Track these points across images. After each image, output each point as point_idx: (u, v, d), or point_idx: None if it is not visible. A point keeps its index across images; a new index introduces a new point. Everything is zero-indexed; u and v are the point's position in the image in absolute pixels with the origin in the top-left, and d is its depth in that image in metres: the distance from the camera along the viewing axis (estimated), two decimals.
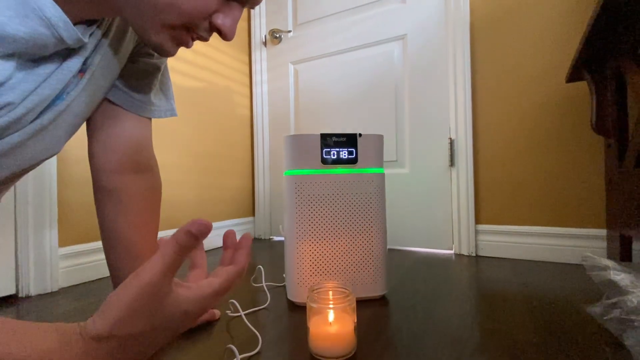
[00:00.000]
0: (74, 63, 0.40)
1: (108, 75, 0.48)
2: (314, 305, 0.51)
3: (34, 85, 0.36)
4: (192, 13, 0.36)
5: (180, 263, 0.28)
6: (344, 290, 0.52)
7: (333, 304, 0.50)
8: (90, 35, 0.42)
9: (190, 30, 0.39)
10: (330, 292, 0.53)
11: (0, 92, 0.33)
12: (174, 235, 0.28)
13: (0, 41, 0.31)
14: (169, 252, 0.28)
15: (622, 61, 0.81)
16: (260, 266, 0.94)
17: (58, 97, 0.41)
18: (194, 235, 0.28)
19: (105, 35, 0.44)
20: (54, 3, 0.33)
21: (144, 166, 0.58)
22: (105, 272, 1.00)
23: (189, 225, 0.28)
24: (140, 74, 0.54)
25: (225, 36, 0.39)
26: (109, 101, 0.54)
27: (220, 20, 0.38)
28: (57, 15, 0.33)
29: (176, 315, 0.29)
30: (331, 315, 0.50)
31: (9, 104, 0.34)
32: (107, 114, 0.54)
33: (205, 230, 0.28)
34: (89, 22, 0.41)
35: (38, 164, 0.45)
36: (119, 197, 0.56)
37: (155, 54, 0.55)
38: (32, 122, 0.39)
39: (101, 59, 0.45)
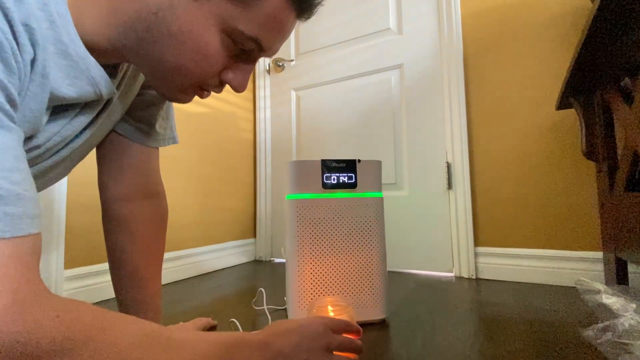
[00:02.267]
0: (98, 105, 0.42)
1: (121, 111, 0.50)
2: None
3: (59, 128, 0.38)
4: (200, 74, 0.37)
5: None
6: (341, 303, 0.53)
7: (334, 315, 0.51)
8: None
9: (202, 87, 0.40)
10: (329, 306, 0.53)
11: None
12: (350, 324, 0.46)
13: (53, 100, 0.33)
14: (339, 323, 0.44)
15: (608, 91, 0.85)
16: (262, 289, 0.95)
17: (76, 136, 0.42)
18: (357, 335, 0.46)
19: (123, 76, 0.46)
20: (97, 63, 0.35)
21: (151, 192, 0.60)
22: (110, 294, 1.01)
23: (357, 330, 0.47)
24: (145, 106, 0.55)
25: (235, 90, 0.41)
26: (116, 132, 0.55)
27: (229, 77, 0.39)
28: (100, 74, 0.35)
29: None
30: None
31: (36, 147, 0.36)
32: (115, 144, 0.55)
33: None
34: (114, 66, 0.43)
35: (41, 190, 0.47)
36: (128, 225, 0.57)
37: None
38: (46, 160, 0.40)
39: (118, 97, 0.46)
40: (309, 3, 0.37)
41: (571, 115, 1.10)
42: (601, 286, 0.55)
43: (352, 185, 0.77)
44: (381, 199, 0.79)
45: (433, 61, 1.35)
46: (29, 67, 0.29)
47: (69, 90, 0.33)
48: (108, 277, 0.61)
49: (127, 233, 0.56)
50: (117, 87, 0.46)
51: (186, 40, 0.34)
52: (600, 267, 1.02)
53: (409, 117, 1.39)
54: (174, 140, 0.63)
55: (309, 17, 0.39)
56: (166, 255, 1.21)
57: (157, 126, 0.59)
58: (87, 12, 0.34)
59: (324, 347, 0.40)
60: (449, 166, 1.28)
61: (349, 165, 0.78)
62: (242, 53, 0.38)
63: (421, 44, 1.38)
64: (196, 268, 1.33)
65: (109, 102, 0.44)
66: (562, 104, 1.02)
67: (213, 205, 1.47)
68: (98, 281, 1.00)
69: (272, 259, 1.66)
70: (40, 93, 0.31)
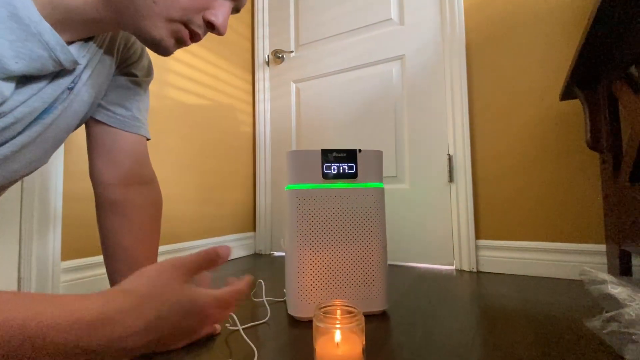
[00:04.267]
0: (66, 79, 0.42)
1: (93, 92, 0.49)
2: (320, 325, 0.48)
3: (25, 97, 0.38)
4: (189, 6, 0.39)
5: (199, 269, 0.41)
6: (352, 309, 0.49)
7: (340, 324, 0.47)
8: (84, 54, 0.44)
9: (186, 25, 0.41)
10: (339, 312, 0.50)
11: None
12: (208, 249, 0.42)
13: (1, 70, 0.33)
14: (200, 252, 0.41)
15: (613, 80, 0.84)
16: (261, 280, 0.94)
17: (46, 111, 0.42)
18: (219, 255, 0.42)
19: (96, 52, 0.47)
20: (52, 28, 0.35)
21: (145, 178, 0.60)
22: (106, 286, 1.00)
23: (220, 248, 0.43)
24: (121, 90, 0.56)
25: (218, 30, 0.42)
26: (100, 121, 0.55)
27: (212, 16, 0.41)
28: (55, 40, 0.35)
29: (193, 303, 0.37)
30: (338, 336, 0.47)
31: (1, 113, 0.36)
32: (104, 133, 0.56)
33: (227, 254, 0.43)
34: (85, 39, 0.43)
35: (23, 176, 0.46)
36: (124, 210, 0.57)
37: (139, 73, 0.57)
38: (19, 134, 0.40)
39: (90, 75, 0.46)
40: None
41: (575, 106, 1.09)
42: (606, 276, 0.54)
43: (353, 176, 0.76)
44: (382, 189, 0.78)
45: (435, 52, 1.33)
46: None
47: (14, 63, 0.33)
48: (104, 270, 0.60)
49: (123, 217, 0.56)
50: (87, 66, 0.46)
51: None
52: (603, 259, 1.01)
53: (410, 109, 1.37)
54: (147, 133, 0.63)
55: None
56: (165, 248, 1.20)
57: (137, 113, 0.59)
58: None
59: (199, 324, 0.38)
60: (450, 159, 1.27)
61: (350, 155, 0.76)
62: None
63: (423, 35, 1.36)
64: None
65: (80, 76, 0.44)
66: (566, 95, 1.00)
67: (212, 199, 1.46)
68: (96, 273, 0.99)
69: (271, 252, 1.65)
70: None
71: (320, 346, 0.48)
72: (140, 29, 0.40)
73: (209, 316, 0.40)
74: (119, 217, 0.57)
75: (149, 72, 0.61)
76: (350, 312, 0.49)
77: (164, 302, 0.34)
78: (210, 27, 0.42)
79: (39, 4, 0.34)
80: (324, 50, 1.58)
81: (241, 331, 0.63)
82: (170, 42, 0.41)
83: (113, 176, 0.56)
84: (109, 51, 0.50)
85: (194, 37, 0.43)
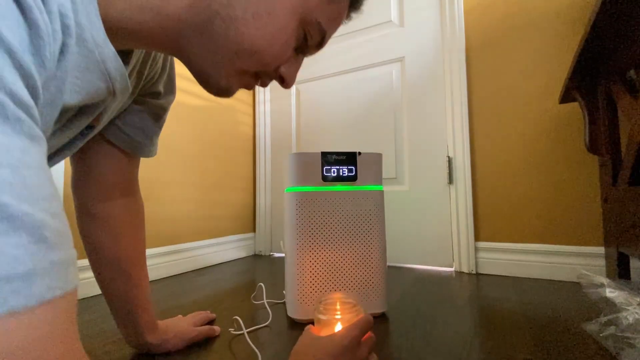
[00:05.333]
0: (100, 105, 0.35)
1: (112, 115, 0.44)
2: (322, 317, 0.50)
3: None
4: (271, 62, 0.35)
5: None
6: (351, 301, 0.51)
7: (341, 314, 0.49)
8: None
9: (258, 76, 0.38)
10: (338, 304, 0.52)
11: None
12: (368, 322, 0.45)
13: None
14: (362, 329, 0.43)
15: (612, 84, 0.84)
16: (261, 284, 0.95)
17: (67, 146, 0.38)
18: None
19: (133, 68, 0.41)
20: (116, 53, 0.29)
21: (130, 191, 0.57)
22: (93, 291, 1.00)
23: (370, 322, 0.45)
24: (145, 114, 0.51)
25: (287, 85, 0.39)
26: (107, 141, 0.50)
27: (286, 69, 0.38)
28: (117, 67, 0.30)
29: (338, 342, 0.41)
30: (339, 327, 0.49)
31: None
32: (110, 151, 0.51)
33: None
34: (125, 53, 0.37)
35: None
36: (109, 223, 0.54)
37: (163, 89, 0.52)
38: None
39: (114, 97, 0.39)
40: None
41: (574, 108, 1.09)
42: (604, 280, 0.54)
43: (353, 178, 0.76)
44: (381, 192, 0.78)
45: (435, 54, 1.33)
46: (56, 61, 0.23)
47: (69, 98, 0.27)
48: (91, 274, 0.58)
49: (108, 229, 0.54)
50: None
51: (269, 23, 0.32)
52: (602, 262, 1.02)
53: (410, 111, 1.37)
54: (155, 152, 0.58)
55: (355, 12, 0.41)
56: (165, 249, 1.20)
57: (155, 138, 0.54)
58: None
59: None
60: (450, 161, 1.27)
61: (349, 158, 0.77)
62: (302, 46, 0.38)
63: (423, 37, 1.36)
64: (195, 262, 1.32)
65: (106, 109, 0.38)
66: (565, 97, 1.01)
67: (212, 200, 1.46)
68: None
69: (271, 253, 1.66)
70: (59, 96, 0.25)
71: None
72: (207, 74, 0.35)
73: (360, 344, 0.43)
74: (106, 231, 0.54)
75: (172, 88, 0.54)
76: (349, 304, 0.51)
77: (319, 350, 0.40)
78: (280, 79, 0.39)
79: (102, 9, 0.27)
80: (324, 51, 1.58)
81: (246, 335, 0.63)
82: (235, 89, 0.37)
83: (99, 192, 0.53)
84: (140, 68, 0.44)
85: (262, 84, 0.40)
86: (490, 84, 1.23)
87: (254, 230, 1.70)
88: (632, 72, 0.81)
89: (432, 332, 0.67)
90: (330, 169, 0.75)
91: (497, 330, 0.68)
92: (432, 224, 1.30)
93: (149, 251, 1.13)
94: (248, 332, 0.66)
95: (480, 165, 1.24)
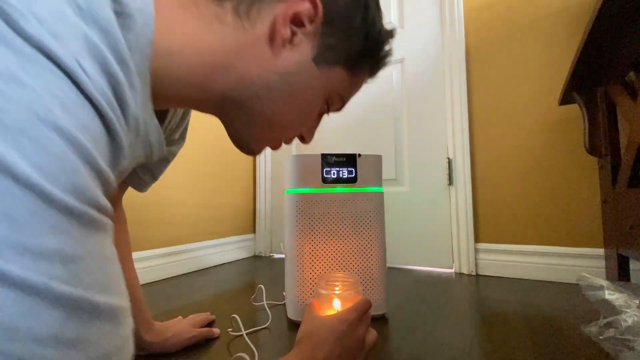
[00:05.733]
0: None
1: None
2: (322, 291, 0.52)
3: None
4: (296, 130, 0.39)
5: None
6: (350, 279, 0.54)
7: (340, 290, 0.51)
8: None
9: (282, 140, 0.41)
10: (338, 281, 0.54)
11: None
12: (365, 304, 0.47)
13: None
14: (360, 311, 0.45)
15: (611, 86, 0.84)
16: (261, 286, 0.95)
17: None
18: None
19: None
20: (159, 125, 0.29)
21: (118, 204, 0.57)
22: None
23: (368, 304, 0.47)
24: (158, 160, 0.50)
25: (306, 142, 0.43)
26: None
27: (308, 132, 0.42)
28: (158, 137, 0.30)
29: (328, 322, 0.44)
30: (337, 303, 0.51)
31: None
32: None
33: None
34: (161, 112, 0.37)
35: None
36: None
37: (176, 142, 0.53)
38: None
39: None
40: (380, 68, 0.41)
41: (574, 110, 1.09)
42: (604, 282, 0.54)
43: (352, 180, 0.76)
44: (381, 193, 0.78)
45: (435, 56, 1.34)
46: None
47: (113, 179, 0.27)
48: None
49: None
50: None
51: (301, 104, 0.35)
52: (601, 263, 1.02)
53: (410, 112, 1.37)
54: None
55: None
56: (165, 250, 1.20)
57: (160, 176, 0.56)
58: (183, 62, 0.28)
59: (357, 344, 0.44)
60: (449, 162, 1.27)
61: (349, 160, 0.77)
62: (324, 111, 0.41)
63: (423, 38, 1.36)
64: (195, 263, 1.32)
65: None
66: (565, 99, 1.01)
67: (212, 201, 1.46)
68: None
69: (271, 254, 1.66)
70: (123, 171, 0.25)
71: (323, 311, 0.50)
72: (242, 139, 0.37)
73: (358, 326, 0.44)
74: None
75: (184, 135, 0.55)
76: (349, 282, 0.53)
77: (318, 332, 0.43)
78: (300, 137, 0.42)
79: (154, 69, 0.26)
80: None
81: (245, 337, 0.63)
82: (260, 150, 0.40)
83: None
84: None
85: (285, 143, 0.42)
86: (490, 85, 1.24)
87: (254, 231, 1.70)
88: (631, 75, 0.81)
89: (432, 335, 0.67)
90: (330, 170, 0.76)
91: (496, 332, 0.68)
92: (432, 225, 1.30)
93: (150, 252, 1.13)
94: (247, 334, 0.66)
95: (480, 166, 1.24)
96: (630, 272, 0.86)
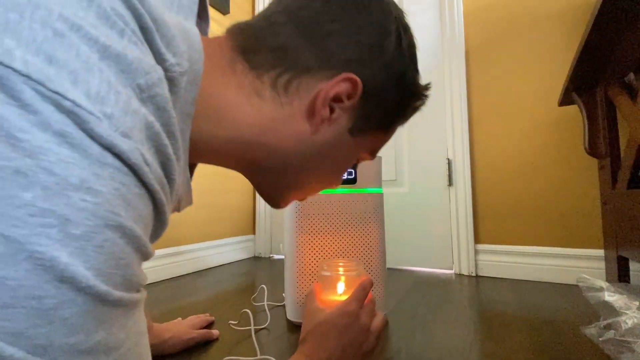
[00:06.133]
0: None
1: None
2: (325, 273, 0.52)
3: None
4: (326, 187, 0.39)
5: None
6: (352, 263, 0.54)
7: (344, 271, 0.52)
8: None
9: None
10: (341, 263, 0.55)
11: None
12: (365, 285, 0.46)
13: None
14: (359, 297, 0.45)
15: (611, 87, 0.84)
16: (263, 286, 0.95)
17: None
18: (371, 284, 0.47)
19: None
20: (189, 180, 0.29)
21: None
22: None
23: (368, 284, 0.46)
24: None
25: (333, 187, 0.43)
26: None
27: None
28: (187, 190, 0.30)
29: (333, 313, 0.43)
30: (341, 286, 0.51)
31: None
32: None
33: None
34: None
35: None
36: None
37: None
38: None
39: None
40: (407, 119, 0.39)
41: (573, 111, 1.09)
42: (603, 284, 0.54)
43: (352, 181, 0.76)
44: (381, 195, 0.78)
45: (434, 56, 1.34)
46: None
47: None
48: None
49: None
50: None
51: (334, 168, 0.35)
52: (601, 264, 1.02)
53: None
54: None
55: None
56: (165, 251, 1.20)
57: None
58: (227, 125, 0.28)
59: (361, 334, 0.43)
60: (449, 163, 1.27)
61: None
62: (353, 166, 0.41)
63: (423, 39, 1.37)
64: (195, 264, 1.32)
65: None
66: (565, 100, 1.01)
67: (212, 202, 1.46)
68: None
69: (271, 255, 1.66)
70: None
71: (325, 295, 0.51)
72: (272, 197, 0.37)
73: (359, 316, 0.44)
74: None
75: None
76: (350, 265, 0.53)
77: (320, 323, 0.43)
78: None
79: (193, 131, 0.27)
80: None
81: (253, 334, 0.63)
82: (287, 204, 0.40)
83: None
84: None
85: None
86: (490, 86, 1.24)
87: (253, 232, 1.70)
88: (631, 76, 0.81)
89: (431, 336, 0.67)
90: None
91: (496, 333, 0.68)
92: (432, 226, 1.30)
93: None
94: (247, 335, 0.66)
95: (480, 167, 1.24)
96: (630, 273, 0.86)
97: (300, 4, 0.30)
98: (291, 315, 0.73)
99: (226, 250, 1.50)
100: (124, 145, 0.17)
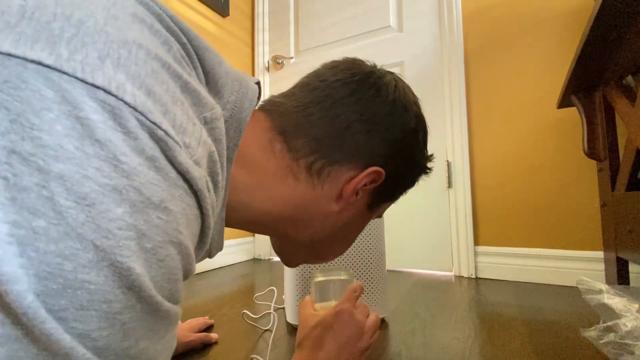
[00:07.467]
0: None
1: None
2: (317, 280, 0.54)
3: None
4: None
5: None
6: (341, 270, 0.56)
7: (334, 277, 0.53)
8: None
9: None
10: (331, 272, 0.56)
11: None
12: (355, 288, 0.48)
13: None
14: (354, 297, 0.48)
15: (610, 89, 0.84)
16: (274, 287, 0.94)
17: None
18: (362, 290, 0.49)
19: None
20: (223, 232, 0.31)
21: None
22: None
23: (358, 288, 0.49)
24: None
25: None
26: None
27: None
28: (219, 246, 0.31)
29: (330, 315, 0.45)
30: (333, 293, 0.53)
31: None
32: None
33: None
34: None
35: None
36: None
37: None
38: None
39: None
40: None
41: (572, 113, 1.09)
42: (603, 286, 0.54)
43: None
44: None
45: (434, 59, 1.34)
46: None
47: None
48: None
49: None
50: None
51: (352, 236, 0.39)
52: (601, 266, 1.02)
53: None
54: None
55: None
56: None
57: None
58: (263, 193, 0.31)
59: (357, 330, 0.45)
60: (449, 165, 1.27)
61: None
62: None
63: (422, 42, 1.37)
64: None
65: None
66: (564, 102, 1.01)
67: None
68: None
69: (270, 257, 1.65)
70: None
71: (318, 302, 0.52)
72: (286, 255, 0.40)
73: (352, 314, 0.45)
74: None
75: None
76: (340, 271, 0.55)
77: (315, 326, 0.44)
78: None
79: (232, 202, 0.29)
80: (323, 56, 1.59)
81: (256, 325, 0.63)
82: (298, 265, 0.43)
83: None
84: None
85: None
86: (489, 88, 1.24)
87: (253, 234, 1.70)
88: (629, 78, 0.82)
89: (431, 338, 0.67)
90: None
91: (496, 335, 0.68)
92: (432, 228, 1.30)
93: None
94: (247, 338, 0.66)
95: (479, 169, 1.24)
96: (630, 275, 0.86)
97: (330, 97, 0.32)
98: (291, 319, 0.73)
99: (225, 253, 1.50)
100: (195, 172, 0.20)
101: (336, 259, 0.74)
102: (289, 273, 0.74)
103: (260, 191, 0.31)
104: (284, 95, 0.35)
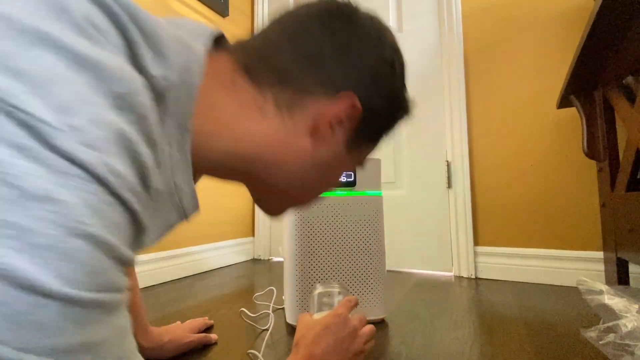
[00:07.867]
0: None
1: None
2: (317, 292, 0.54)
3: None
4: (318, 197, 0.40)
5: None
6: (338, 285, 0.56)
7: (332, 290, 0.54)
8: None
9: None
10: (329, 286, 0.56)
11: None
12: (351, 299, 0.50)
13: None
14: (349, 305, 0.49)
15: (610, 89, 0.84)
16: (273, 288, 0.94)
17: None
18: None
19: None
20: (195, 190, 0.29)
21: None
22: None
23: (354, 299, 0.50)
24: None
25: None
26: None
27: None
28: (193, 203, 0.29)
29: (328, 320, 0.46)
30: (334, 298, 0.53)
31: None
32: None
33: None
34: None
35: None
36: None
37: None
38: None
39: None
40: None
41: (572, 113, 1.09)
42: (603, 286, 0.54)
43: (351, 184, 0.76)
44: (380, 197, 0.78)
45: (433, 59, 1.34)
46: None
47: (150, 241, 0.26)
48: None
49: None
50: None
51: (331, 178, 0.38)
52: (601, 267, 1.02)
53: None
54: None
55: None
56: (164, 253, 1.20)
57: None
58: (224, 138, 0.29)
59: (351, 333, 0.46)
60: (448, 165, 1.27)
61: None
62: None
63: (421, 42, 1.37)
64: (194, 266, 1.32)
65: None
66: (563, 103, 1.01)
67: (212, 204, 1.46)
68: None
69: (270, 257, 1.65)
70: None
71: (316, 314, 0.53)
72: (264, 203, 0.38)
73: (348, 319, 0.47)
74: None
75: None
76: (338, 287, 0.55)
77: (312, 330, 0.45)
78: None
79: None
80: None
81: (254, 324, 0.63)
82: (281, 215, 0.42)
83: None
84: None
85: None
86: (489, 88, 1.24)
87: (252, 234, 1.70)
88: (629, 79, 0.82)
89: (431, 339, 0.67)
90: None
91: (496, 335, 0.67)
92: (431, 228, 1.30)
93: (149, 256, 1.12)
94: (247, 338, 0.66)
95: (479, 169, 1.24)
96: (630, 276, 0.86)
97: (300, 27, 0.31)
98: (291, 319, 0.73)
99: (225, 253, 1.49)
100: (85, 156, 0.17)
101: (337, 260, 0.73)
102: (289, 273, 0.74)
103: (226, 131, 0.28)
104: (253, 35, 0.33)
